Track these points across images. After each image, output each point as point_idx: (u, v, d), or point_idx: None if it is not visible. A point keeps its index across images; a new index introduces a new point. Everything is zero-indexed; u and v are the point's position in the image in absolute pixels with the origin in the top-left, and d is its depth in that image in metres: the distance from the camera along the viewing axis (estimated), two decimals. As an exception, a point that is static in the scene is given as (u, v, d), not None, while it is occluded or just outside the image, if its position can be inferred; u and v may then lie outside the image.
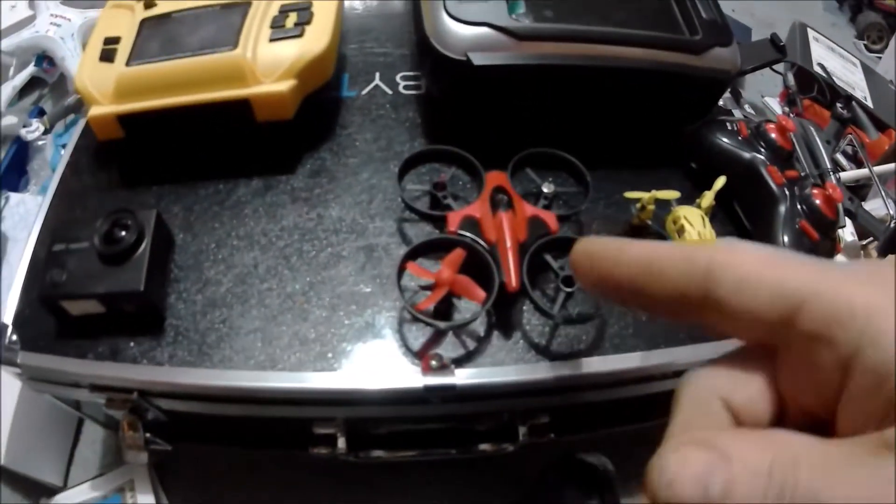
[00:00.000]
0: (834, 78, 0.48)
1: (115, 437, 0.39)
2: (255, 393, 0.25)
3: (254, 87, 0.27)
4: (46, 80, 0.44)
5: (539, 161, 0.29)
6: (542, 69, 0.28)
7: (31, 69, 0.43)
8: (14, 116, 0.41)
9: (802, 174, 0.32)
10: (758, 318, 0.11)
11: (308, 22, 0.29)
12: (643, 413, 0.32)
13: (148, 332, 0.26)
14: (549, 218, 0.26)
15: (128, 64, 0.29)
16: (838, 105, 0.41)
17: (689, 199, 0.30)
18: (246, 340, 0.25)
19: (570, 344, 0.26)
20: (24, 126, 0.40)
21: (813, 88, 0.47)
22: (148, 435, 0.29)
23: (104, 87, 0.29)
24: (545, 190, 0.27)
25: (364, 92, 0.32)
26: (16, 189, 0.41)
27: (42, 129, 0.40)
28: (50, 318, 0.27)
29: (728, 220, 0.31)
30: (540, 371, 0.25)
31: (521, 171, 0.28)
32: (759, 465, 0.11)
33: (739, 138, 0.31)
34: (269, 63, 0.28)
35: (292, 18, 0.29)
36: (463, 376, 0.24)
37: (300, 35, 0.28)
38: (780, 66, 0.47)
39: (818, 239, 0.29)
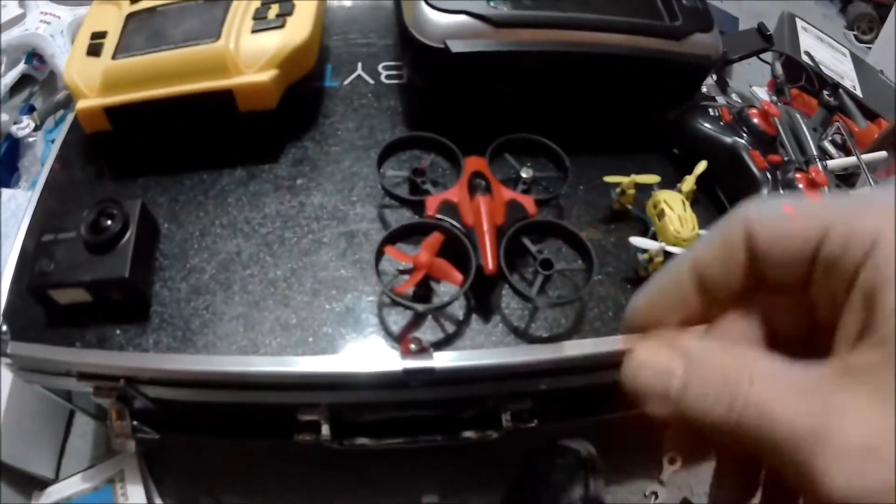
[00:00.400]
0: (822, 67, 0.49)
1: (105, 429, 0.40)
2: (239, 377, 0.25)
3: (236, 77, 0.28)
4: (37, 77, 0.46)
5: (518, 146, 0.30)
6: (520, 55, 0.29)
7: (21, 67, 0.44)
8: (5, 114, 0.42)
9: (786, 159, 0.33)
10: (792, 256, 0.12)
11: (290, 13, 0.30)
12: (626, 401, 0.32)
13: (134, 319, 0.27)
14: (528, 202, 0.26)
15: (114, 57, 0.30)
16: (825, 93, 0.41)
17: (671, 184, 0.31)
18: (229, 326, 0.26)
19: (549, 328, 0.27)
20: (15, 123, 0.41)
21: (801, 78, 0.48)
22: (135, 423, 0.30)
23: (91, 81, 0.30)
24: (524, 175, 0.28)
25: (346, 82, 0.34)
26: (8, 185, 0.43)
27: (33, 125, 0.41)
28: (39, 309, 0.28)
29: (711, 204, 0.32)
30: (519, 354, 0.26)
31: (500, 157, 0.29)
32: (717, 371, 0.12)
33: (722, 123, 0.32)
34: (251, 54, 0.29)
35: (274, 10, 0.30)
36: (442, 360, 0.25)
37: (282, 26, 0.29)
38: (767, 56, 0.48)
39: None
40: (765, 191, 0.30)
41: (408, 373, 0.25)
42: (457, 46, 0.28)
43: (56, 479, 0.37)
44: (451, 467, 0.36)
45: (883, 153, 0.33)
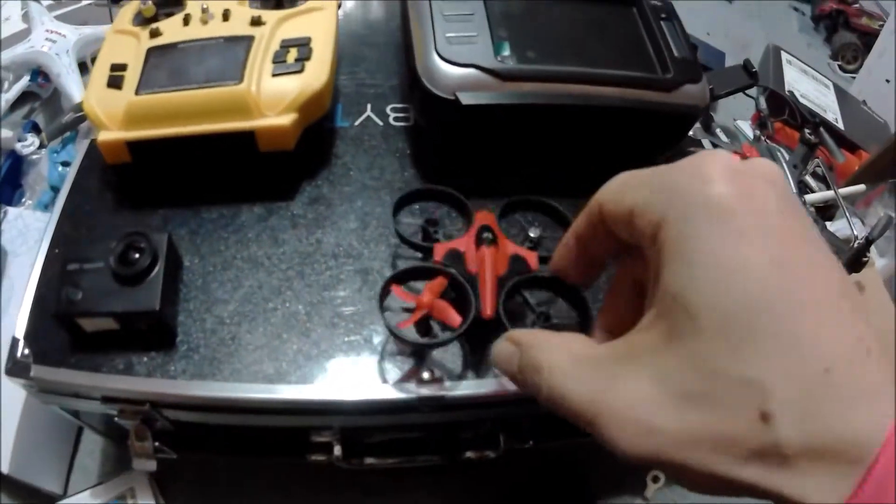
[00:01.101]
0: (806, 101, 0.54)
1: (113, 446, 0.43)
2: (262, 404, 0.29)
3: (258, 119, 0.31)
4: (40, 94, 0.47)
5: (528, 205, 0.33)
6: (525, 108, 0.32)
7: (23, 82, 0.46)
8: (9, 130, 0.44)
9: None
10: (618, 222, 0.17)
11: (308, 58, 0.33)
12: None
13: (160, 347, 0.30)
14: (531, 257, 0.30)
15: (137, 92, 0.32)
16: (806, 130, 0.46)
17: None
18: (254, 355, 0.29)
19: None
20: (20, 140, 0.43)
21: (784, 111, 0.53)
22: (157, 444, 0.33)
23: (113, 113, 0.33)
24: (531, 234, 0.31)
25: (357, 123, 0.37)
26: (10, 202, 0.45)
27: (37, 143, 0.43)
28: (60, 333, 0.30)
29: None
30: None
31: (510, 214, 0.33)
32: (531, 362, 0.17)
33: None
34: (272, 97, 0.32)
35: (293, 54, 0.33)
36: (452, 388, 0.29)
37: (301, 70, 0.32)
38: (752, 90, 0.52)
39: None
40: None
41: (421, 400, 0.28)
42: (466, 98, 0.31)
43: (64, 495, 0.40)
44: (453, 484, 0.39)
45: (861, 186, 0.37)
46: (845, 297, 0.14)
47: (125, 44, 0.35)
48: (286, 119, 0.31)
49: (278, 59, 0.33)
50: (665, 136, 0.37)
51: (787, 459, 0.13)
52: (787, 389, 0.13)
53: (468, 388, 0.29)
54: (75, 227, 0.34)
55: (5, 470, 0.36)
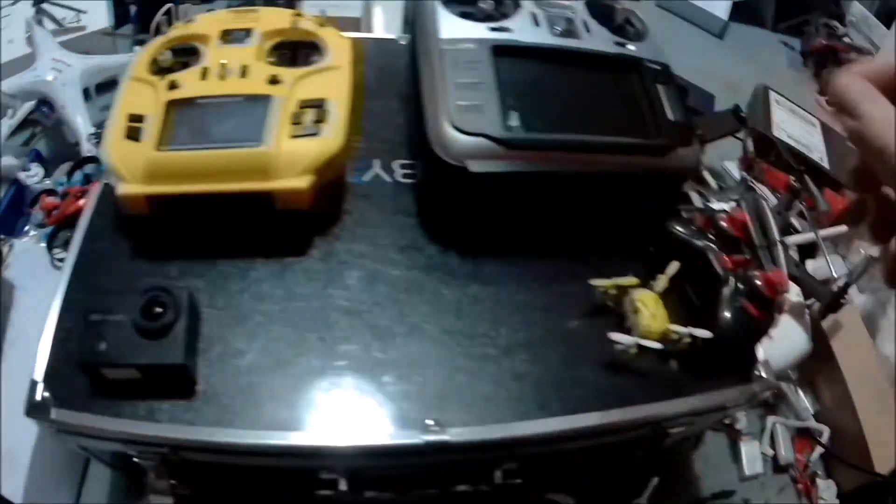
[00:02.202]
0: (792, 141, 0.59)
1: (120, 477, 0.46)
2: (277, 450, 0.33)
3: (277, 181, 0.35)
4: (43, 122, 0.50)
5: None
6: (530, 176, 0.36)
7: (25, 108, 0.49)
8: (13, 158, 0.47)
9: (748, 257, 0.42)
10: None
11: (324, 119, 0.36)
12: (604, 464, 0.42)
13: (180, 395, 0.34)
14: None
15: (158, 148, 0.36)
16: (791, 179, 0.51)
17: (649, 279, 0.40)
18: (271, 405, 0.33)
19: (540, 404, 0.35)
20: (24, 170, 0.46)
21: (771, 152, 0.58)
22: (173, 482, 0.37)
23: (133, 166, 0.36)
24: None
25: (365, 178, 0.40)
26: (12, 230, 0.47)
27: (42, 174, 0.46)
28: (79, 377, 0.34)
29: (679, 298, 0.41)
30: (517, 429, 0.34)
31: None
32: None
33: (693, 228, 0.41)
34: (290, 159, 0.35)
35: (310, 115, 0.36)
36: (456, 434, 0.33)
37: (317, 133, 0.36)
38: (741, 132, 0.57)
39: (758, 314, 0.39)
40: (726, 290, 0.40)
41: (428, 444, 0.33)
42: (475, 167, 0.35)
43: (72, 523, 0.44)
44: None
45: (842, 227, 0.42)
46: None
47: (142, 93, 0.38)
48: (304, 181, 0.35)
49: (296, 120, 0.36)
50: (659, 198, 0.42)
51: None
52: None
53: (474, 433, 0.34)
54: (92, 272, 0.38)
55: (19, 500, 0.40)
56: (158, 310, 0.34)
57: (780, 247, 0.48)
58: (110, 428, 0.34)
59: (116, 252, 0.38)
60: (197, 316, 0.35)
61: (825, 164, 0.59)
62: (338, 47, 0.40)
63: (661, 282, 0.39)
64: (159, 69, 0.39)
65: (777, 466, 0.53)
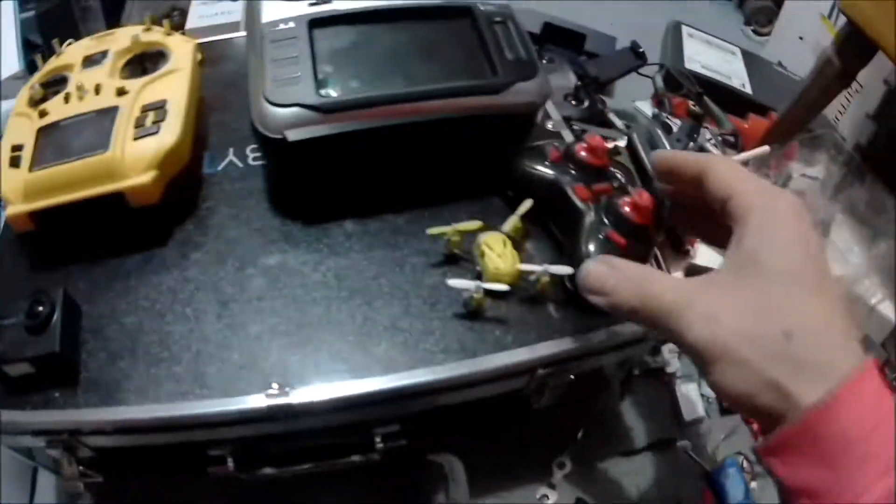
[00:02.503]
0: (709, 71, 0.61)
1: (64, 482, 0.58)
2: (143, 424, 0.42)
3: (124, 181, 0.45)
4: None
5: None
6: (351, 136, 0.44)
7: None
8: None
9: (616, 185, 0.46)
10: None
11: (164, 119, 0.46)
12: (486, 421, 0.47)
13: (68, 384, 0.44)
14: None
15: (30, 170, 0.47)
16: (690, 103, 0.53)
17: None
18: (137, 382, 0.43)
19: (388, 362, 0.42)
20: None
21: (682, 87, 0.60)
22: (81, 468, 0.47)
23: (16, 190, 0.47)
24: None
25: (220, 167, 0.50)
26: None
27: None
28: (-5, 382, 0.45)
29: (545, 236, 0.46)
30: (360, 387, 0.41)
31: None
32: (634, 277, 0.35)
33: (548, 162, 0.46)
34: (134, 159, 0.45)
35: (151, 117, 0.46)
36: (299, 396, 0.41)
37: (157, 132, 0.46)
38: (651, 70, 0.60)
39: (625, 244, 0.42)
40: (587, 220, 0.44)
41: (270, 409, 0.40)
42: (293, 135, 0.43)
43: (27, 530, 0.56)
44: (356, 488, 0.51)
45: (765, 148, 0.44)
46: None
47: (22, 125, 0.50)
48: (147, 177, 0.45)
49: (139, 123, 0.46)
50: (505, 137, 0.47)
51: (795, 366, 0.29)
52: (802, 327, 0.29)
53: (319, 393, 0.41)
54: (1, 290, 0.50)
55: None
56: (39, 308, 0.44)
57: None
58: (14, 420, 0.44)
59: (20, 268, 0.50)
60: (75, 311, 0.46)
61: (748, 90, 0.60)
62: (180, 51, 0.50)
63: (511, 222, 0.45)
64: (34, 102, 0.51)
65: (724, 408, 0.55)
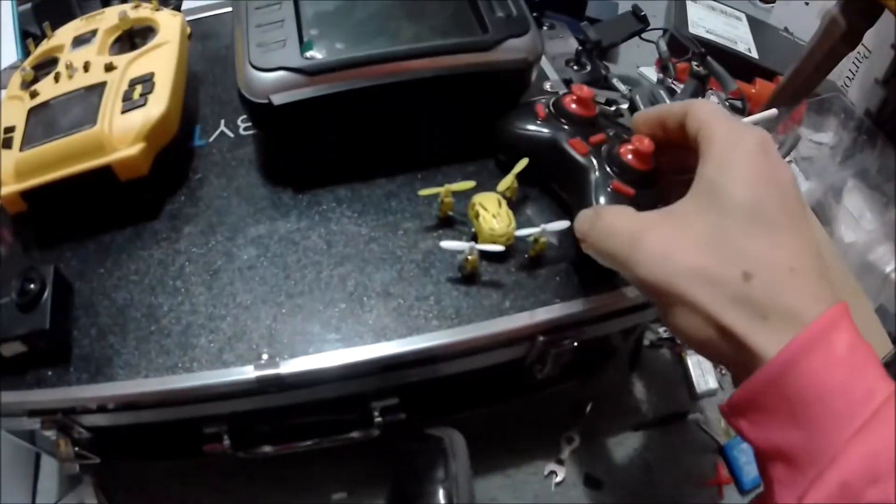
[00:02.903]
0: (714, 36, 0.58)
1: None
2: (131, 399, 0.41)
3: (112, 154, 0.44)
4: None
5: None
6: (337, 97, 0.42)
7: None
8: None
9: (611, 133, 0.43)
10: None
11: (150, 91, 0.45)
12: (487, 394, 0.45)
13: (60, 361, 0.43)
14: None
15: (21, 149, 0.47)
16: (694, 64, 0.51)
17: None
18: (127, 357, 0.41)
19: (379, 330, 0.40)
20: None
21: (687, 51, 0.58)
22: (77, 449, 0.46)
23: (7, 170, 0.47)
24: None
25: (211, 139, 0.49)
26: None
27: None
28: (-8, 364, 0.44)
29: (545, 196, 0.44)
30: (351, 356, 0.39)
31: None
32: (605, 216, 0.33)
33: (538, 120, 0.44)
34: (122, 133, 0.44)
35: (138, 90, 0.45)
36: (288, 367, 0.39)
37: (144, 104, 0.45)
38: (653, 35, 0.58)
39: (633, 193, 0.39)
40: (592, 176, 0.41)
41: (259, 381, 0.39)
42: (278, 99, 0.42)
43: (31, 517, 0.55)
44: (354, 465, 0.49)
45: (772, 111, 0.42)
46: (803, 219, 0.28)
47: (14, 108, 0.50)
48: (135, 149, 0.44)
49: (126, 97, 0.46)
50: (499, 96, 0.45)
51: (755, 311, 0.26)
52: (764, 268, 0.26)
53: (307, 363, 0.39)
54: (-3, 272, 0.49)
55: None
56: (30, 286, 0.44)
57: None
58: (10, 400, 0.44)
59: (14, 250, 0.50)
60: (66, 287, 0.45)
61: (754, 54, 0.58)
62: (167, 25, 0.50)
63: (505, 181, 0.43)
64: (26, 84, 0.50)
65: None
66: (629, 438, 0.50)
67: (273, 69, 0.42)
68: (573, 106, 0.43)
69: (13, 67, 0.65)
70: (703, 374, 0.49)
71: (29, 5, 0.68)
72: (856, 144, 0.57)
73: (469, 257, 0.40)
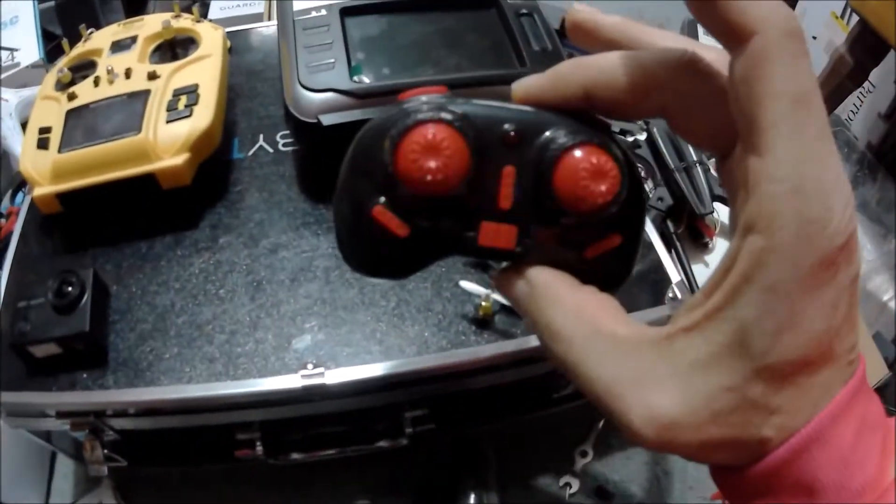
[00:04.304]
0: None
1: (84, 469, 0.56)
2: (177, 403, 0.41)
3: (157, 162, 0.44)
4: (-12, 156, 0.63)
5: None
6: (384, 120, 0.43)
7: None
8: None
9: None
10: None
11: (196, 103, 0.46)
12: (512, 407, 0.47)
13: (96, 365, 0.43)
14: None
15: (59, 151, 0.46)
16: None
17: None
18: (168, 363, 0.42)
19: (417, 346, 0.41)
20: (-23, 201, 0.58)
21: None
22: (106, 452, 0.46)
23: (43, 171, 0.46)
24: None
25: (251, 153, 0.49)
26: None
27: (-9, 202, 0.58)
28: (19, 363, 0.44)
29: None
30: (391, 368, 0.40)
31: None
32: (551, 324, 0.21)
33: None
34: (166, 141, 0.45)
35: (183, 101, 0.46)
36: (333, 377, 0.40)
37: (190, 115, 0.45)
38: None
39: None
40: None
41: (305, 389, 0.40)
42: (327, 120, 0.43)
43: (45, 517, 0.54)
44: (378, 473, 0.51)
45: None
46: None
47: (49, 108, 0.49)
48: (180, 159, 0.44)
49: (171, 107, 0.46)
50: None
51: (766, 411, 0.19)
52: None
53: (352, 373, 0.40)
54: (26, 272, 0.48)
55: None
56: (68, 289, 0.43)
57: (698, 168, 0.51)
58: (39, 402, 0.43)
59: (44, 250, 0.49)
60: (104, 291, 0.45)
61: None
62: (210, 38, 0.50)
63: None
64: (62, 85, 0.50)
65: None
66: (638, 454, 0.52)
67: (323, 90, 0.43)
68: None
69: (35, 66, 0.64)
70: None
71: (52, 3, 0.67)
72: (857, 178, 0.61)
73: (483, 303, 0.41)
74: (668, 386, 0.20)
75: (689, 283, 0.45)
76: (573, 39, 0.24)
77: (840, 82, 0.52)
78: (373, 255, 0.23)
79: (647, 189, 0.57)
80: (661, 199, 0.52)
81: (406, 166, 0.21)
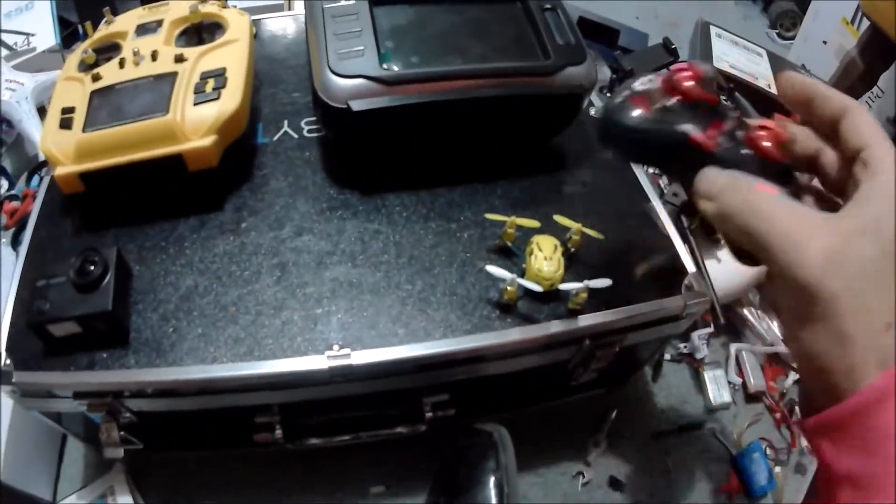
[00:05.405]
0: (736, 71, 0.63)
1: (94, 453, 0.55)
2: (201, 384, 0.40)
3: (184, 144, 0.44)
4: (5, 140, 0.62)
5: None
6: (412, 108, 0.44)
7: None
8: (-19, 174, 0.59)
9: (730, 116, 0.35)
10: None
11: (223, 86, 0.45)
12: (530, 395, 0.47)
13: (116, 345, 0.42)
14: None
15: (84, 130, 0.46)
16: (722, 97, 0.55)
17: (550, 224, 0.44)
18: (192, 343, 0.41)
19: (443, 328, 0.41)
20: (-8, 184, 0.58)
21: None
22: (122, 433, 0.45)
23: (66, 150, 0.46)
24: None
25: (275, 138, 0.49)
26: (-14, 240, 0.59)
27: (6, 185, 0.58)
28: (36, 342, 0.43)
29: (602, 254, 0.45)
30: (416, 350, 0.40)
31: None
32: (741, 186, 0.32)
33: (649, 115, 0.34)
34: (194, 123, 0.44)
35: (210, 84, 0.45)
36: (358, 357, 0.40)
37: (217, 98, 0.45)
38: None
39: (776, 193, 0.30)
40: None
41: (332, 370, 0.40)
42: (357, 105, 0.43)
43: (54, 501, 0.53)
44: (393, 460, 0.50)
45: None
46: None
47: (72, 89, 0.49)
48: (207, 141, 0.44)
49: (199, 89, 0.45)
50: (555, 117, 0.48)
51: (880, 356, 0.26)
52: None
53: (376, 355, 0.40)
54: (43, 252, 0.48)
55: (1, 477, 0.49)
56: (91, 267, 0.43)
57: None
58: (56, 381, 0.42)
59: (62, 230, 0.48)
60: (127, 271, 0.44)
61: (773, 90, 0.62)
62: (237, 23, 0.50)
63: (575, 230, 0.44)
64: (86, 66, 0.49)
65: (749, 396, 0.56)
66: (649, 445, 0.53)
67: (353, 76, 0.43)
68: (691, 83, 0.35)
69: (51, 52, 0.64)
70: (718, 388, 0.53)
71: (68, -10, 0.66)
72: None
73: (509, 287, 0.41)
74: (834, 241, 0.28)
75: (703, 274, 0.45)
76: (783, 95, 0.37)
77: (850, 85, 0.53)
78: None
79: (664, 186, 0.58)
80: (675, 194, 0.53)
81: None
